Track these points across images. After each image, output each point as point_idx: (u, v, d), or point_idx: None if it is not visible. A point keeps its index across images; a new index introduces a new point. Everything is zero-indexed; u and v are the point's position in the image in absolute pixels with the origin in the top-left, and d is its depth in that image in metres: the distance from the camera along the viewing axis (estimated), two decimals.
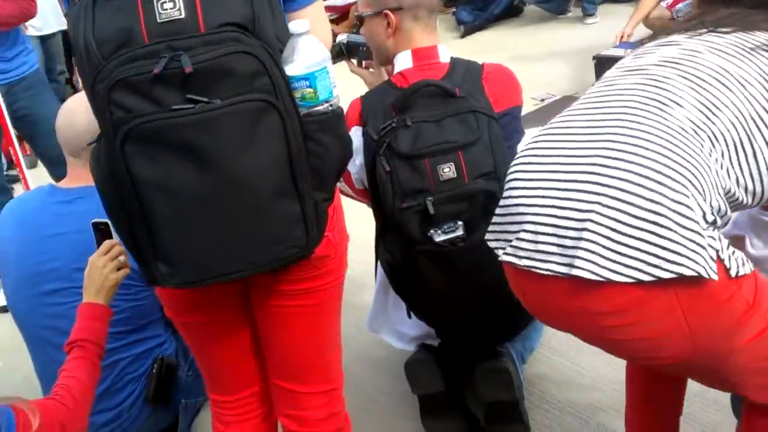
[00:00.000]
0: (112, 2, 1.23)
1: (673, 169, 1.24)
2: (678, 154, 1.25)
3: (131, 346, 2.05)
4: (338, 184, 2.23)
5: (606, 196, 1.24)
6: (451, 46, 2.18)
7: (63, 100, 5.39)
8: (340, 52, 2.40)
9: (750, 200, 1.35)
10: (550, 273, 1.30)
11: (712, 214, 1.26)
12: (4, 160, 4.70)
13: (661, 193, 1.22)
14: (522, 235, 1.36)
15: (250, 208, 1.27)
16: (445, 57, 2.11)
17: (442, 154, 1.91)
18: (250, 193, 1.26)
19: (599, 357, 2.38)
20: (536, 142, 1.43)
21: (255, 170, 1.25)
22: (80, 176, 2.02)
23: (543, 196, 1.34)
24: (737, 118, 1.30)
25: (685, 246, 1.20)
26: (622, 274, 1.22)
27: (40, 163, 4.12)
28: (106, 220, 1.73)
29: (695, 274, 1.19)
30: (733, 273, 1.26)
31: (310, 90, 1.30)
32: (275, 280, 1.50)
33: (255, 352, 1.66)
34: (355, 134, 2.08)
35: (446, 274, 1.94)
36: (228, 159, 1.23)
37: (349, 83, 2.56)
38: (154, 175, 1.24)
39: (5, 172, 4.66)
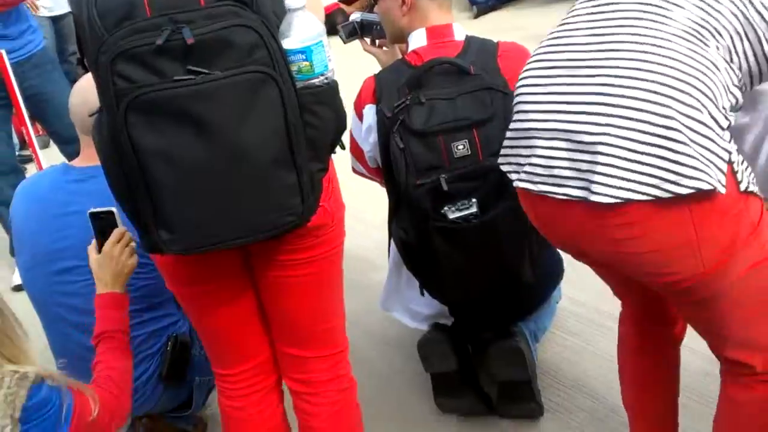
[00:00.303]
0: None
1: (682, 81, 1.23)
2: (685, 63, 1.24)
3: (145, 324, 2.05)
4: (351, 162, 2.25)
5: (617, 116, 1.24)
6: (464, 27, 2.16)
7: (75, 81, 5.39)
8: (353, 31, 2.38)
9: (754, 84, 1.34)
10: (567, 198, 1.31)
11: (726, 118, 1.25)
12: (16, 140, 4.71)
13: (672, 107, 1.22)
14: (534, 160, 1.37)
15: (249, 176, 1.31)
16: (459, 35, 2.09)
17: (456, 131, 1.90)
18: (249, 162, 1.30)
19: (612, 337, 2.38)
20: (540, 57, 1.42)
21: (254, 140, 1.29)
22: (93, 155, 2.01)
23: (554, 120, 1.33)
24: (736, 6, 1.29)
25: (699, 160, 1.21)
26: (639, 192, 1.23)
27: (52, 143, 4.12)
28: (108, 208, 1.76)
29: (711, 187, 1.20)
30: (743, 187, 1.27)
31: (307, 63, 1.34)
32: (276, 251, 1.54)
33: (257, 322, 1.68)
34: (369, 112, 2.08)
35: (459, 251, 1.93)
36: (228, 128, 1.27)
37: (363, 62, 2.55)
38: (156, 144, 1.27)
39: (18, 153, 4.67)
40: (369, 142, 2.10)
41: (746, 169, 1.29)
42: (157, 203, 1.32)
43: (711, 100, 1.24)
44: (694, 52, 1.25)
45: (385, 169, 2.04)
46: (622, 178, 1.23)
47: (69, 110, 2.05)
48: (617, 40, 1.30)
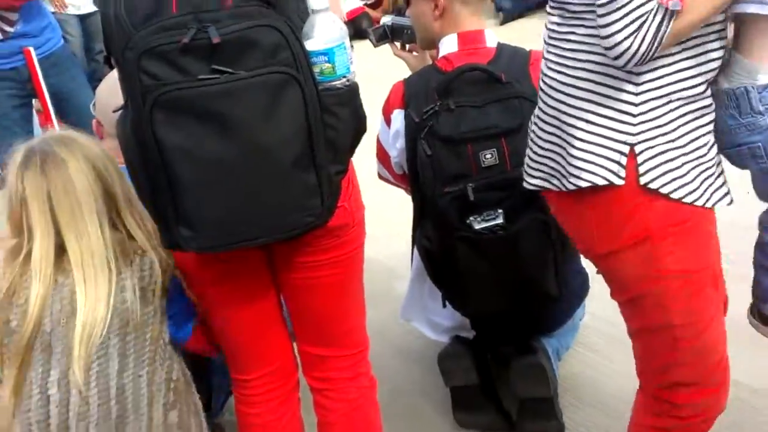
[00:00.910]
0: None
1: (558, 91, 1.36)
2: (562, 72, 1.35)
3: None
4: (377, 168, 2.22)
5: (533, 123, 1.47)
6: None
7: (101, 79, 5.41)
8: (384, 35, 2.35)
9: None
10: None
11: (630, 101, 1.29)
12: None
13: (557, 118, 1.37)
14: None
15: (270, 176, 1.32)
16: (491, 42, 2.05)
17: (485, 140, 1.87)
18: (271, 162, 1.31)
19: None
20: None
21: (276, 140, 1.30)
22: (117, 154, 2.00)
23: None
24: None
25: (583, 159, 1.33)
26: (548, 183, 1.42)
27: None
28: None
29: (589, 184, 1.33)
30: (643, 180, 1.30)
31: (329, 65, 1.35)
32: (298, 252, 1.54)
33: (277, 325, 1.69)
34: (398, 117, 2.05)
35: (484, 262, 1.90)
36: (251, 128, 1.28)
37: (393, 66, 2.52)
38: (180, 142, 1.29)
39: None
40: (396, 148, 2.07)
41: (670, 171, 1.30)
42: (178, 200, 1.33)
43: (600, 94, 1.30)
44: (566, 57, 1.33)
45: (411, 175, 2.01)
46: (534, 171, 1.47)
47: (96, 107, 2.04)
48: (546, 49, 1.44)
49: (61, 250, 1.46)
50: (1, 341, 1.45)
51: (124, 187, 1.54)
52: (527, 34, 5.74)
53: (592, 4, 1.27)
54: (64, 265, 1.46)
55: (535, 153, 1.45)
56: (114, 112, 1.43)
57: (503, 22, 6.45)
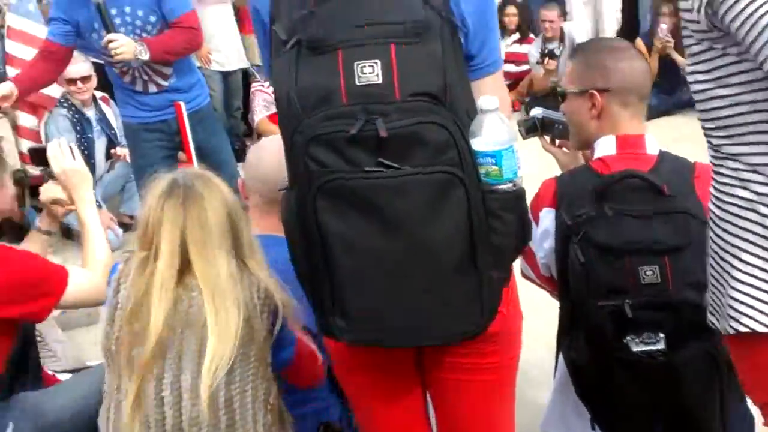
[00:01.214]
0: (316, 59, 1.28)
1: (717, 238, 1.30)
2: (722, 217, 1.29)
3: (295, 406, 2.00)
4: (521, 266, 2.14)
5: (708, 257, 1.38)
6: None
7: (238, 135, 5.64)
8: (533, 127, 2.30)
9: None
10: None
11: None
12: None
13: (717, 252, 1.30)
14: None
15: (431, 277, 1.29)
16: (652, 149, 1.96)
17: (646, 255, 1.76)
18: (433, 263, 1.29)
19: None
20: None
21: (439, 240, 1.28)
22: (264, 222, 2.02)
23: None
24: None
25: (741, 302, 1.25)
26: (718, 326, 1.35)
27: None
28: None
29: (747, 330, 1.24)
30: None
31: (495, 168, 1.32)
32: (451, 353, 1.51)
33: (423, 424, 1.64)
34: (547, 216, 1.97)
35: (641, 388, 1.77)
36: (415, 225, 1.27)
37: (540, 161, 2.46)
38: (342, 230, 1.29)
39: None
40: (543, 248, 1.99)
41: None
42: (336, 288, 1.33)
43: (754, 232, 1.23)
44: (719, 191, 1.28)
45: (560, 281, 1.92)
46: (709, 306, 1.38)
47: (245, 168, 2.09)
48: None
49: (185, 269, 1.58)
50: (129, 352, 1.54)
51: (249, 234, 1.65)
52: (674, 132, 5.22)
53: (731, 136, 1.22)
54: (187, 281, 1.57)
55: (709, 288, 1.38)
56: (280, 191, 1.45)
57: (648, 119, 6.10)
